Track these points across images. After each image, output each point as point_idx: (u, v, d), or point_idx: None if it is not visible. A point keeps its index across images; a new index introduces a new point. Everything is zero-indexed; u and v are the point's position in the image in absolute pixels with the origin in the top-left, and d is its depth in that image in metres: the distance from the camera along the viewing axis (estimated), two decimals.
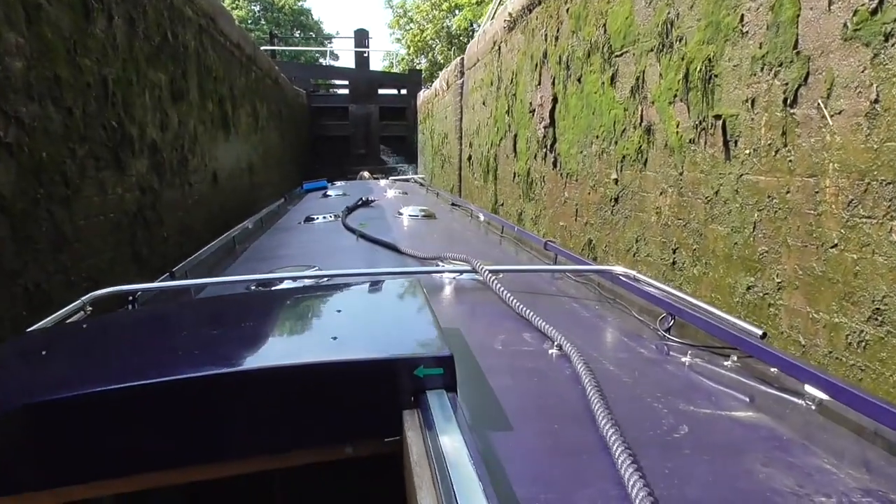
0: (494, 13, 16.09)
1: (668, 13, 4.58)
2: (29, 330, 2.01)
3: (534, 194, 8.38)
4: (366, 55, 26.12)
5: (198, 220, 7.88)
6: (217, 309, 2.27)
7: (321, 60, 45.34)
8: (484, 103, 11.72)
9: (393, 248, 3.65)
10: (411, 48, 37.36)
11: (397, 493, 1.57)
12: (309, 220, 5.48)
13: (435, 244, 3.97)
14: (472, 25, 31.23)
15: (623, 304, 2.61)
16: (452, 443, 1.25)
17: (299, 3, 52.92)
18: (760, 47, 3.53)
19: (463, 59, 14.52)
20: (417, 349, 1.58)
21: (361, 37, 26.44)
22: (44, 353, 1.85)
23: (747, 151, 3.68)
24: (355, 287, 2.51)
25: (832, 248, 3.07)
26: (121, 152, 5.42)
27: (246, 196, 11.26)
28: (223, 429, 1.48)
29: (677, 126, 4.49)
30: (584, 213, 6.51)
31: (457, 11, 33.53)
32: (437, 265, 2.97)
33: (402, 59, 39.03)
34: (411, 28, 37.05)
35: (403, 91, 25.43)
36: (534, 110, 8.22)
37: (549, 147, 7.62)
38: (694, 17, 4.24)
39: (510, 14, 9.38)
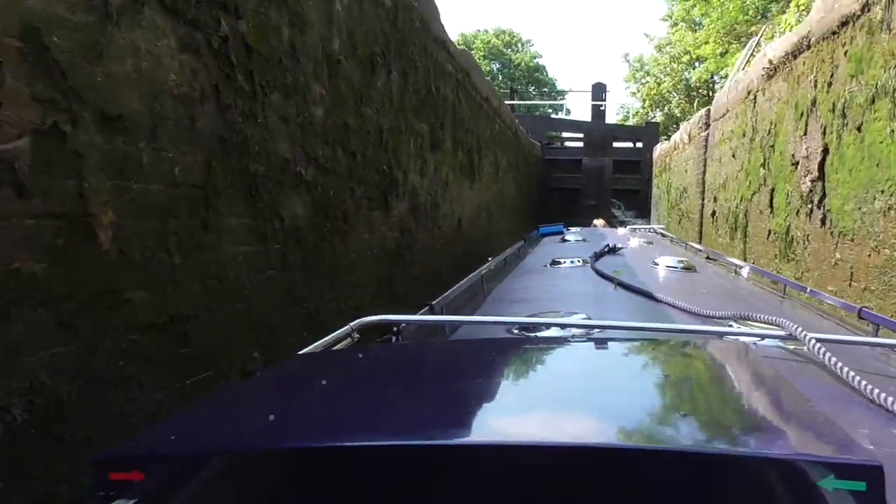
0: (745, 62, 15.29)
1: None
2: (301, 353, 2.01)
3: (794, 254, 7.66)
4: (602, 108, 26.22)
5: (442, 262, 8.29)
6: (486, 354, 2.06)
7: (553, 115, 46.36)
8: (733, 156, 11.08)
9: (661, 301, 3.26)
10: (647, 101, 36.78)
11: None
12: (555, 263, 5.33)
13: (705, 301, 3.32)
14: (712, 78, 30.01)
15: None
16: None
17: (535, 61, 54.90)
18: None
19: (709, 110, 13.92)
20: (819, 448, 1.16)
21: (599, 90, 26.62)
22: (314, 378, 1.84)
23: None
24: (643, 343, 2.16)
25: None
26: (388, 194, 5.90)
27: (484, 243, 11.68)
28: None
29: None
30: (862, 278, 5.79)
31: (697, 64, 32.48)
32: (731, 326, 2.51)
33: (637, 112, 38.52)
34: (647, 81, 36.53)
35: (639, 144, 24.98)
36: (797, 163, 7.57)
37: (815, 203, 6.95)
38: None
39: (770, 61, 8.82)
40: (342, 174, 4.81)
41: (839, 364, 1.80)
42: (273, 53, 3.71)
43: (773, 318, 2.39)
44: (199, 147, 3.05)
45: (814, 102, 7.10)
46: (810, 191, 7.09)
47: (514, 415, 1.45)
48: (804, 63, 7.53)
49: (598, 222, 15.07)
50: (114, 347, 2.52)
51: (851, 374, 1.75)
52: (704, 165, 13.83)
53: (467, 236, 10.03)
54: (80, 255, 2.34)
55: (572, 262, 5.29)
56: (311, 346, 2.10)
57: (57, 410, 2.23)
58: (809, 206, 7.13)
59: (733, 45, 24.77)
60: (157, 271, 2.77)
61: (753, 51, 15.78)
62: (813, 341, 1.98)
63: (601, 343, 2.21)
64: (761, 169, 9.14)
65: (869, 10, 5.76)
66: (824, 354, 1.89)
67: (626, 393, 1.57)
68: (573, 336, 2.37)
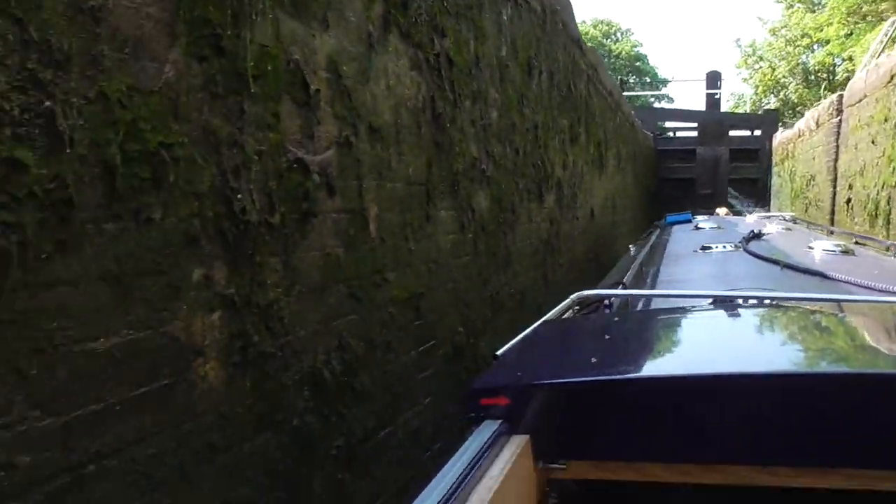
0: (884, 45, 14.66)
1: None
2: (542, 321, 2.31)
3: None
4: (717, 97, 25.58)
5: (579, 251, 8.63)
6: (711, 318, 2.28)
7: (655, 104, 45.30)
8: (873, 142, 10.77)
9: (836, 280, 3.27)
10: (760, 87, 35.43)
11: None
12: (705, 248, 5.34)
13: (879, 279, 3.28)
14: (835, 61, 28.56)
15: None
16: None
17: (635, 50, 53.76)
18: None
19: (841, 96, 13.48)
20: None
21: (714, 78, 26.01)
22: (567, 339, 2.23)
23: None
24: (875, 309, 2.36)
25: None
26: (542, 187, 6.32)
27: (610, 232, 11.90)
28: (751, 430, 1.43)
29: None
30: None
31: (816, 47, 31.00)
32: None
33: (749, 99, 37.17)
34: (761, 67, 35.16)
35: (757, 132, 24.23)
36: None
37: None
38: None
39: None
40: (510, 169, 5.26)
41: None
42: (465, 64, 4.20)
43: None
44: (423, 150, 3.57)
45: None
46: None
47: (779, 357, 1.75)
48: None
49: (721, 211, 14.85)
50: (379, 318, 3.07)
51: None
52: (837, 153, 13.42)
53: (598, 225, 10.31)
54: (359, 242, 2.89)
55: (723, 246, 5.33)
56: (545, 316, 2.42)
57: (351, 366, 2.78)
58: None
59: (860, 26, 23.57)
60: (401, 255, 3.30)
61: (890, 37, 15.10)
62: None
63: (821, 310, 2.35)
64: None
65: None
66: None
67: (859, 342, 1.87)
68: (781, 305, 2.43)
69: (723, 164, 24.18)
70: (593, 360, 1.79)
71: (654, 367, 1.81)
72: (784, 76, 32.97)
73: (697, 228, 8.17)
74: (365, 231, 2.93)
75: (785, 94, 33.51)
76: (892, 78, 9.86)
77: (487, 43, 4.69)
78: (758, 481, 1.47)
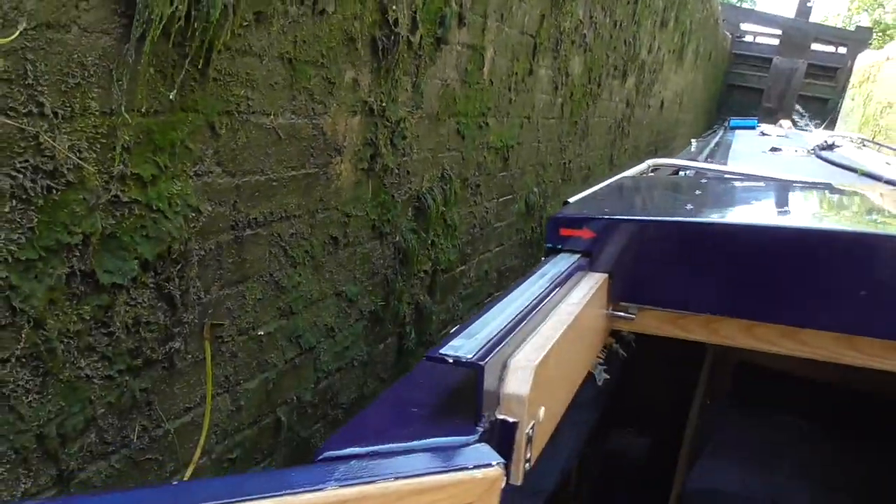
0: None
1: None
2: (618, 177, 2.40)
3: None
4: (809, 5, 23.98)
5: (643, 140, 8.53)
6: (790, 193, 2.24)
7: (737, 2, 42.66)
8: None
9: None
10: (854, 3, 33.16)
11: None
12: (774, 150, 5.41)
13: None
14: None
15: None
16: None
17: None
18: None
19: None
20: None
21: None
22: (646, 193, 2.25)
23: None
24: None
25: None
26: (628, 66, 6.18)
27: (672, 127, 11.66)
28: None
29: None
30: None
31: None
32: None
33: (839, 16, 34.86)
34: None
35: (843, 49, 22.92)
36: None
37: None
38: None
39: None
40: (605, 40, 5.14)
41: None
42: None
43: None
44: (539, 1, 3.51)
45: None
46: None
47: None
48: None
49: (786, 123, 14.38)
50: (475, 160, 3.16)
51: None
52: None
53: (664, 119, 10.11)
54: (473, 81, 2.93)
55: (795, 150, 5.34)
56: (624, 173, 2.53)
57: (448, 198, 2.91)
58: None
59: None
60: (503, 104, 3.34)
61: None
62: None
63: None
64: None
65: None
66: None
67: None
68: (867, 191, 2.46)
69: (796, 79, 23.13)
70: (678, 208, 1.76)
71: (741, 218, 1.74)
72: None
73: (763, 134, 8.10)
74: (480, 71, 2.96)
75: (880, 14, 31.40)
76: None
77: None
78: (838, 356, 1.38)
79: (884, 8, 31.83)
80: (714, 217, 1.59)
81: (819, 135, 9.36)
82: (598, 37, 4.89)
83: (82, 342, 1.31)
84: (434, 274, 2.92)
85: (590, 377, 1.51)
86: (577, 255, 1.46)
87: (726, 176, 2.88)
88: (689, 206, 1.73)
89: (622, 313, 1.49)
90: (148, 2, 1.24)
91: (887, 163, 5.02)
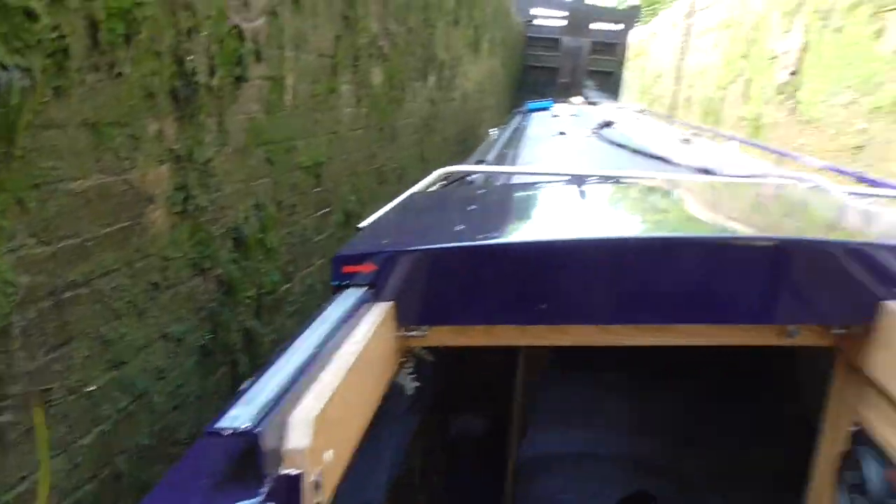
0: None
1: None
2: (408, 193, 2.37)
3: (761, 139, 8.64)
4: None
5: (451, 132, 9.01)
6: (564, 193, 2.38)
7: None
8: (715, 46, 11.80)
9: (678, 164, 3.47)
10: None
11: (815, 392, 1.69)
12: (562, 133, 5.52)
13: (718, 164, 3.44)
14: None
15: None
16: None
17: None
18: None
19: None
20: (893, 239, 1.58)
21: None
22: (432, 211, 2.25)
23: None
24: (711, 186, 2.55)
25: None
26: (427, 67, 6.53)
27: (476, 116, 12.32)
28: (645, 290, 1.53)
29: None
30: (819, 159, 6.82)
31: None
32: (763, 179, 2.83)
33: None
34: None
35: (619, 27, 25.20)
36: (775, 57, 8.40)
37: (789, 94, 7.85)
38: None
39: None
40: (402, 48, 5.43)
41: (860, 203, 2.26)
42: None
43: (795, 174, 2.75)
44: (334, 24, 3.70)
45: (800, 3, 7.82)
46: (785, 83, 7.96)
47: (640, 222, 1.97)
48: None
49: (577, 100, 15.57)
50: (288, 181, 3.30)
51: (869, 209, 2.17)
52: (683, 53, 14.50)
53: (469, 109, 10.69)
54: (276, 109, 3.07)
55: (579, 132, 5.54)
56: (414, 187, 2.48)
57: (264, 224, 3.04)
58: (782, 96, 8.03)
59: None
60: (308, 125, 3.50)
61: None
62: (837, 189, 2.42)
63: (664, 187, 2.54)
64: (741, 60, 9.93)
65: None
66: (847, 197, 2.34)
67: (743, 210, 2.08)
68: (629, 183, 2.61)
69: (584, 56, 25.11)
70: (456, 228, 1.85)
71: (509, 235, 1.90)
72: None
73: (555, 116, 8.42)
74: (282, 99, 3.10)
75: None
76: None
77: None
78: (601, 341, 1.62)
79: None
80: (486, 237, 1.70)
81: (603, 110, 10.17)
82: (395, 46, 5.16)
83: None
84: (259, 298, 3.05)
85: (398, 389, 1.64)
86: (363, 289, 1.52)
87: (513, 178, 3.09)
88: (463, 227, 1.86)
89: (411, 333, 1.58)
90: None
91: (654, 134, 5.63)
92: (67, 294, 1.80)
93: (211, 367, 2.64)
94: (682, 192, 2.44)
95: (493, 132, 7.16)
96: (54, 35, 1.58)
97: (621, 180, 2.58)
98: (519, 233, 1.97)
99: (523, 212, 2.30)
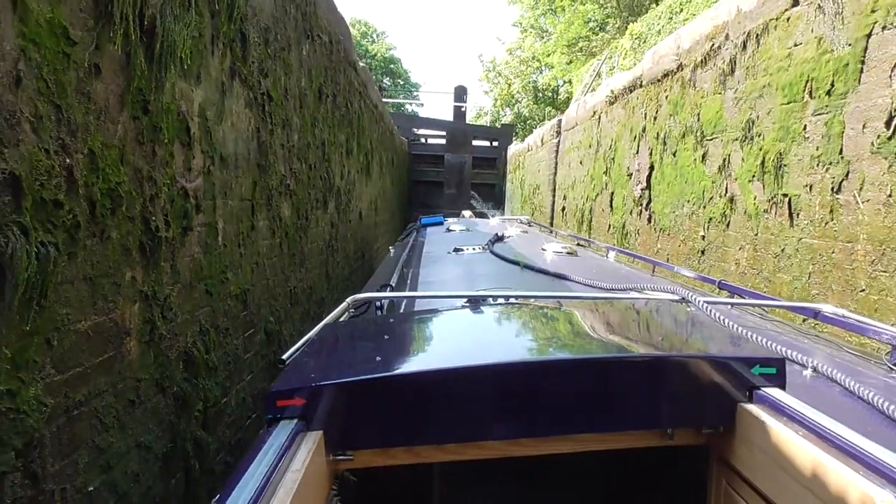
0: (591, 86, 17.79)
1: (750, 114, 6.12)
2: (322, 324, 2.46)
3: (628, 244, 9.87)
4: (463, 109, 28.36)
5: (351, 249, 9.72)
6: (463, 317, 2.56)
7: (406, 107, 48.34)
8: (581, 162, 13.34)
9: (566, 279, 3.84)
10: (498, 101, 39.46)
11: (697, 483, 1.92)
12: (457, 251, 5.74)
13: (599, 277, 3.86)
14: (559, 83, 33.12)
15: (831, 338, 2.96)
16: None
17: (390, 52, 56.45)
18: (817, 149, 5.03)
19: (560, 120, 16.25)
20: (748, 350, 1.95)
21: (460, 92, 28.73)
22: (348, 341, 2.39)
23: (806, 221, 5.15)
24: (586, 302, 2.90)
25: (861, 291, 4.50)
26: (327, 196, 7.28)
27: (372, 231, 13.15)
28: (531, 407, 1.74)
29: (755, 199, 5.97)
30: (675, 262, 7.98)
31: (545, 69, 35.51)
32: (639, 293, 3.18)
33: (488, 112, 41.15)
34: (499, 82, 39.20)
35: (496, 143, 27.35)
36: (631, 174, 9.78)
37: (644, 205, 9.15)
38: (770, 121, 5.77)
39: (612, 91, 11.03)
40: (305, 182, 6.16)
41: (720, 315, 2.51)
42: (279, 98, 5.04)
43: (666, 286, 3.16)
44: (251, 172, 4.37)
45: (644, 129, 9.28)
46: (640, 196, 9.28)
47: (520, 346, 2.24)
48: (637, 98, 9.72)
49: (467, 213, 16.74)
50: (223, 308, 3.84)
51: (728, 321, 2.44)
52: (556, 168, 16.13)
53: (365, 226, 11.48)
54: (212, 249, 3.65)
55: (473, 248, 5.75)
56: (325, 319, 2.58)
57: (207, 346, 3.55)
58: (640, 208, 9.32)
59: (577, 55, 27.87)
60: (235, 258, 4.09)
61: (597, 73, 18.41)
62: (701, 301, 2.70)
63: (552, 306, 2.81)
64: (604, 176, 11.37)
65: (682, 70, 7.93)
66: (709, 310, 2.59)
67: (597, 332, 2.38)
68: (521, 303, 2.83)
69: (466, 170, 26.93)
70: (372, 359, 2.01)
71: (419, 363, 2.09)
72: (518, 92, 37.03)
73: (449, 230, 8.59)
74: (216, 239, 3.70)
75: (518, 109, 37.76)
76: (594, 114, 12.39)
77: (293, 76, 5.55)
78: (508, 453, 1.82)
79: (520, 103, 38.12)
80: (399, 366, 1.89)
81: (493, 222, 10.68)
82: (299, 182, 5.88)
83: None
84: (205, 411, 3.51)
85: None
86: (294, 421, 1.63)
87: (417, 302, 3.33)
88: (381, 356, 2.05)
89: (341, 457, 1.72)
90: None
91: (542, 248, 5.97)
92: (75, 412, 2.28)
93: (172, 471, 3.07)
94: (571, 311, 2.72)
95: (392, 249, 7.88)
96: (70, 216, 2.17)
97: (516, 300, 2.83)
98: (430, 360, 2.16)
99: (430, 338, 2.50)
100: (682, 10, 14.66)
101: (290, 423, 1.62)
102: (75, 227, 2.22)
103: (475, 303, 2.63)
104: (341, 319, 2.71)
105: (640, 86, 9.62)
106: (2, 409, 1.86)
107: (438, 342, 2.40)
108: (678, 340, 2.42)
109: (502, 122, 34.91)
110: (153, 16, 2.71)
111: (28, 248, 1.92)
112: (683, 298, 2.83)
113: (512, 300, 2.83)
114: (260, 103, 4.51)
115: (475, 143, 27.88)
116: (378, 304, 3.11)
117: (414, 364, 2.07)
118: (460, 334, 2.43)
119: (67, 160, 2.16)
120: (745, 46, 6.37)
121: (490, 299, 2.77)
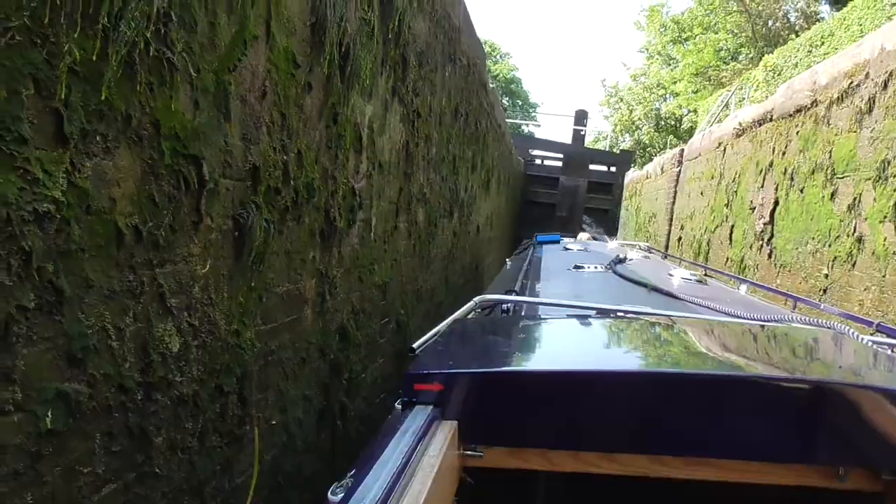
0: (718, 116, 17.59)
1: (886, 154, 6.12)
2: (452, 319, 2.57)
3: (746, 278, 9.83)
4: (582, 133, 28.57)
5: (467, 260, 10.23)
6: (599, 326, 2.50)
7: (523, 127, 48.85)
8: (701, 193, 13.29)
9: (694, 304, 3.59)
10: (618, 126, 39.20)
11: None
12: (578, 268, 5.75)
13: (731, 307, 3.52)
14: (682, 111, 32.58)
15: None
16: None
17: (512, 73, 57.21)
18: None
19: (682, 150, 16.18)
20: None
21: (581, 116, 28.98)
22: (482, 336, 2.44)
23: None
24: (743, 328, 2.63)
25: None
26: (453, 206, 7.82)
27: (486, 246, 13.65)
28: (685, 424, 1.59)
29: (885, 240, 5.96)
30: None
31: (669, 97, 35.03)
32: (786, 321, 2.87)
33: (607, 137, 40.93)
34: (620, 108, 38.95)
35: (613, 168, 27.31)
36: (754, 208, 9.74)
37: (766, 240, 9.11)
38: None
39: (740, 123, 11.01)
40: (437, 192, 6.71)
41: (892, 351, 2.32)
42: (425, 114, 5.61)
43: (818, 321, 2.83)
44: (398, 179, 4.94)
45: (771, 164, 9.26)
46: (762, 231, 9.24)
47: (666, 357, 2.10)
48: (766, 132, 9.70)
49: (584, 235, 16.86)
50: (369, 295, 4.39)
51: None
52: (674, 197, 16.07)
53: (480, 240, 11.99)
54: (367, 242, 4.21)
55: (594, 267, 5.71)
56: (453, 315, 2.70)
57: (358, 325, 4.10)
58: (760, 242, 9.29)
59: (705, 85, 27.45)
60: (380, 253, 4.65)
61: (725, 104, 18.17)
62: (865, 339, 2.45)
63: (696, 326, 2.65)
64: (725, 208, 11.33)
65: (816, 106, 7.93)
66: (874, 345, 2.39)
67: (768, 352, 2.18)
68: (661, 321, 2.69)
69: (580, 194, 27.04)
70: (507, 355, 2.00)
71: (561, 363, 2.00)
72: (639, 119, 36.63)
73: (566, 249, 8.69)
74: (369, 234, 4.26)
75: (638, 135, 37.36)
76: (719, 145, 12.35)
77: (436, 96, 6.12)
78: (647, 471, 1.67)
79: (640, 130, 37.65)
80: (539, 364, 1.83)
81: (612, 245, 10.64)
82: (433, 191, 6.43)
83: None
84: (349, 381, 4.05)
85: None
86: (430, 407, 1.64)
87: (544, 309, 3.25)
88: (517, 353, 2.04)
89: (471, 453, 1.68)
90: None
91: (669, 273, 5.85)
92: (269, 358, 2.84)
93: (322, 426, 3.62)
94: (719, 332, 2.54)
95: (508, 262, 8.31)
96: (283, 201, 2.74)
97: (654, 317, 2.69)
98: (571, 361, 2.06)
99: (567, 342, 2.41)
100: (822, 44, 14.31)
101: (425, 409, 1.63)
102: (284, 210, 2.79)
103: (609, 315, 2.57)
104: (469, 317, 2.78)
105: (771, 119, 9.60)
106: (231, 343, 2.42)
107: (576, 347, 2.31)
108: (849, 370, 2.12)
109: (620, 147, 34.67)
110: (348, 44, 3.28)
111: (259, 223, 2.49)
112: (840, 332, 2.53)
113: (649, 317, 2.70)
114: (410, 119, 5.07)
115: (591, 167, 27.95)
116: (504, 307, 3.21)
117: (555, 363, 1.98)
118: (599, 342, 2.36)
119: (284, 157, 2.74)
120: (885, 86, 6.38)
121: (622, 313, 2.68)
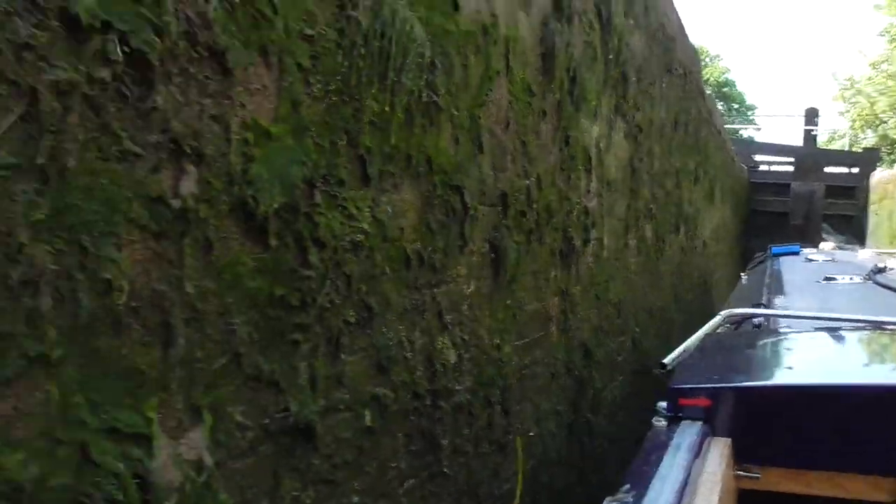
0: None
1: None
2: (701, 333, 2.55)
3: None
4: (814, 133, 26.07)
5: (695, 276, 9.81)
6: (873, 340, 2.33)
7: (741, 132, 45.57)
8: None
9: None
10: (857, 122, 35.28)
11: None
12: (828, 279, 5.35)
13: None
14: None
15: None
16: None
17: (724, 76, 53.97)
18: None
19: None
20: None
21: (811, 115, 26.46)
22: (741, 351, 2.35)
23: None
24: None
25: None
26: (678, 221, 7.59)
27: (713, 261, 12.96)
28: None
29: None
30: None
31: None
32: None
33: (844, 135, 36.98)
34: (858, 101, 35.02)
35: (854, 169, 24.57)
36: None
37: None
38: None
39: None
40: (662, 207, 6.58)
41: None
42: (646, 128, 5.57)
43: None
44: (625, 195, 4.95)
45: None
46: None
47: None
48: None
49: (828, 245, 15.25)
50: (605, 313, 4.44)
51: None
52: None
53: (707, 254, 11.44)
54: (601, 260, 4.27)
55: (849, 278, 5.29)
56: (701, 330, 2.68)
57: (598, 342, 4.16)
58: None
59: None
60: (613, 270, 4.67)
61: None
62: None
63: None
64: None
65: None
66: None
67: None
68: None
69: (817, 200, 24.58)
70: (779, 369, 1.92)
71: (851, 377, 1.82)
72: (884, 111, 32.69)
73: (809, 260, 8.00)
74: (602, 252, 4.32)
75: (883, 130, 33.30)
76: None
77: (655, 109, 6.04)
78: None
79: (886, 123, 33.54)
80: (821, 378, 1.66)
81: (863, 255, 9.35)
82: (658, 206, 6.32)
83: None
84: (594, 397, 4.11)
85: None
86: (699, 423, 1.56)
87: (801, 323, 2.99)
88: (790, 367, 1.94)
89: (747, 474, 1.58)
90: None
91: None
92: (524, 371, 3.00)
93: (571, 440, 3.71)
94: None
95: (744, 276, 7.83)
96: (528, 224, 2.91)
97: None
98: (849, 375, 1.88)
99: (845, 355, 2.25)
100: None
101: (694, 425, 1.55)
102: (529, 232, 2.97)
103: (880, 327, 2.36)
104: (719, 331, 2.70)
105: None
106: (494, 357, 2.62)
107: (855, 361, 2.14)
108: None
109: (861, 145, 31.08)
110: (575, 68, 3.42)
111: (510, 244, 2.68)
112: None
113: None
114: (633, 135, 5.07)
115: (827, 169, 25.34)
116: (755, 321, 3.07)
117: (840, 378, 1.79)
118: (878, 356, 2.20)
119: (526, 182, 2.92)
120: None
121: (894, 326, 2.44)
